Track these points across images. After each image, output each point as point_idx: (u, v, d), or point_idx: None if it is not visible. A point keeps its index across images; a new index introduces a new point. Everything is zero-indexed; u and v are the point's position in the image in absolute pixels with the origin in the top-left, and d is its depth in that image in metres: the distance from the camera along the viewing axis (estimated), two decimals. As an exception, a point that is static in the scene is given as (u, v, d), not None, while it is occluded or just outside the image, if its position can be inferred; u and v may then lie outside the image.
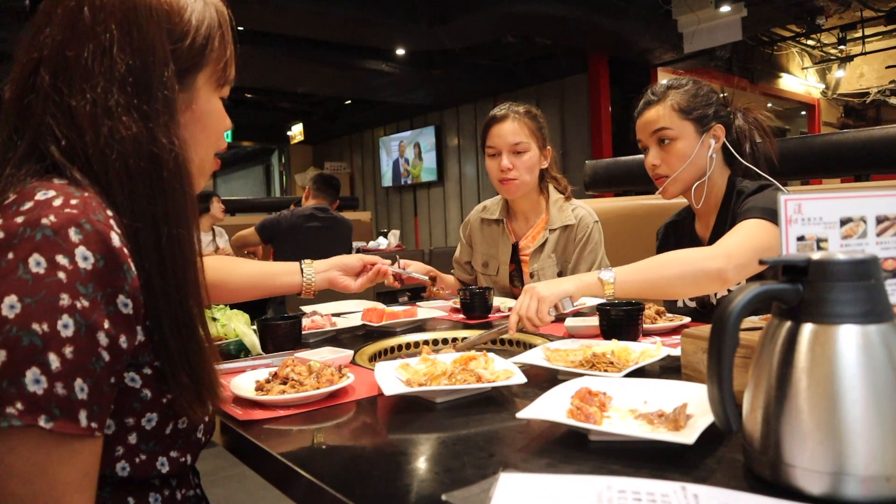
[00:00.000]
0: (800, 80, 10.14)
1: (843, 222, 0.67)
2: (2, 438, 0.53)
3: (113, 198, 0.64)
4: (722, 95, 1.59)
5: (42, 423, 0.53)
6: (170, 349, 0.66)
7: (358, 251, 4.78)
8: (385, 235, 6.08)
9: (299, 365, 0.98)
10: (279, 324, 1.29)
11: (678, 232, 1.69)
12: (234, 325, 1.38)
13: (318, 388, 0.92)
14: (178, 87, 0.71)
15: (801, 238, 0.67)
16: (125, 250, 0.60)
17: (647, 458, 0.65)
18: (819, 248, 0.67)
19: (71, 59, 0.65)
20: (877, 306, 0.55)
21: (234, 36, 0.80)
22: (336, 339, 1.45)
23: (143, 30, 0.67)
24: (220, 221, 5.08)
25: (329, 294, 1.91)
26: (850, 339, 0.54)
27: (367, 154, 11.52)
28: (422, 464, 0.70)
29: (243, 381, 0.97)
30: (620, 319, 1.24)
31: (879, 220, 0.67)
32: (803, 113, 11.20)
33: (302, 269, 1.38)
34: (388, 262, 1.46)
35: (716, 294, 1.54)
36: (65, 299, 0.55)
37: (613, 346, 1.08)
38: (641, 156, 1.62)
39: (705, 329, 0.94)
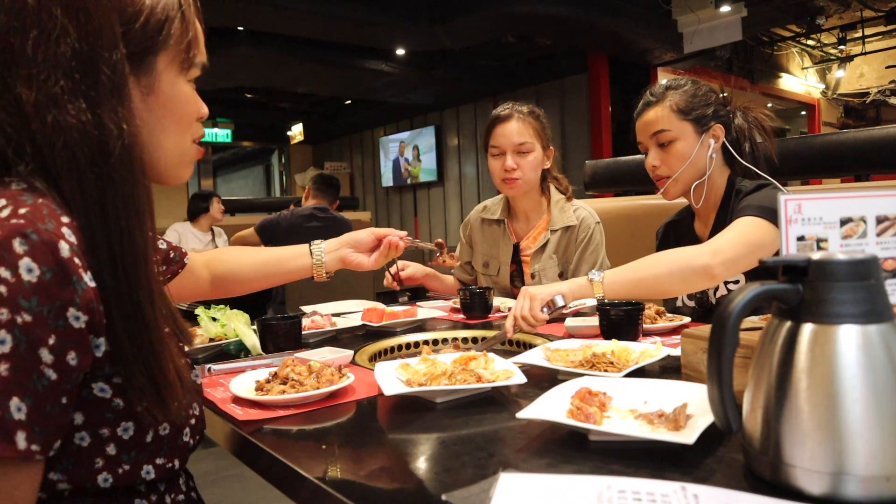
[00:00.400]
0: (800, 80, 10.14)
1: (843, 222, 0.67)
2: None
3: (65, 196, 0.61)
4: (722, 95, 1.59)
5: None
6: (123, 349, 0.63)
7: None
8: (385, 235, 6.06)
9: (299, 365, 0.98)
10: (279, 324, 1.29)
11: (678, 232, 1.69)
12: (234, 325, 1.38)
13: (318, 388, 0.92)
14: (129, 70, 0.68)
15: (801, 238, 0.67)
16: (76, 260, 0.57)
17: (647, 458, 0.65)
18: (819, 248, 0.67)
19: (16, 47, 0.62)
20: (877, 306, 0.55)
21: (199, 15, 0.77)
22: (336, 339, 1.45)
23: (90, 12, 0.64)
24: (219, 222, 5.09)
25: (329, 294, 1.90)
26: (850, 339, 0.54)
27: (367, 154, 11.52)
28: (422, 464, 0.70)
29: (243, 381, 0.97)
30: (620, 319, 1.24)
31: (879, 220, 0.67)
32: (803, 113, 11.20)
33: (311, 251, 1.30)
34: (403, 233, 1.36)
35: (715, 293, 1.55)
36: (3, 314, 0.52)
37: (613, 346, 1.08)
38: (641, 156, 1.62)
39: (705, 329, 0.94)
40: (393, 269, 1.77)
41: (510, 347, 1.39)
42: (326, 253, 1.30)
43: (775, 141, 1.56)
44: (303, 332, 1.39)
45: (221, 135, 10.94)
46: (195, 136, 0.81)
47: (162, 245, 1.11)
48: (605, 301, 1.31)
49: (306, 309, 1.83)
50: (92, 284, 0.59)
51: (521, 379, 0.90)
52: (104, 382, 0.63)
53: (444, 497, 0.58)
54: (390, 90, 8.59)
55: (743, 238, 1.29)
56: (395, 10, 5.97)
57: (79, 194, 0.62)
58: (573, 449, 0.69)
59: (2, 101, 0.62)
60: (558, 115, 8.03)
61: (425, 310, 1.72)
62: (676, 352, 1.04)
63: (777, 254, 0.65)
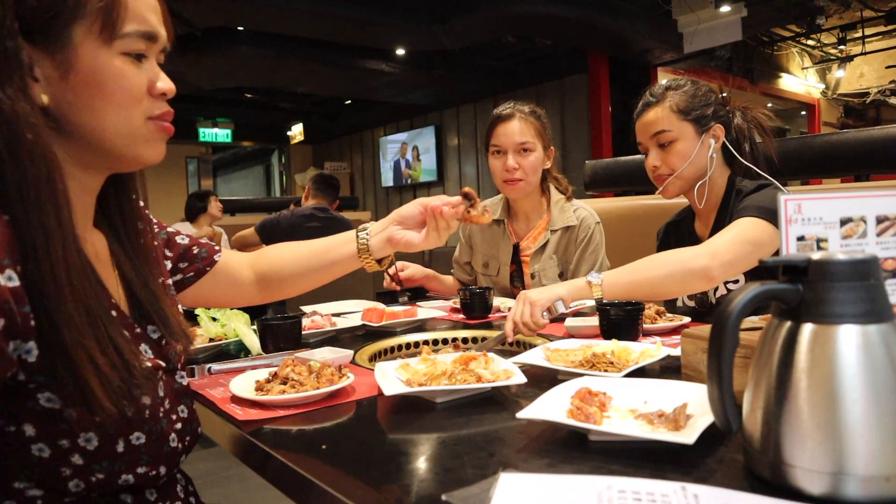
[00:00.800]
0: (800, 80, 10.14)
1: (843, 222, 0.67)
2: None
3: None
4: (722, 95, 1.59)
5: None
6: (43, 349, 0.59)
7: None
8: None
9: (299, 365, 0.98)
10: (279, 324, 1.29)
11: (678, 232, 1.69)
12: (234, 325, 1.39)
13: (318, 388, 0.92)
14: (37, 46, 0.62)
15: (801, 238, 0.67)
16: None
17: (647, 458, 0.65)
18: (819, 248, 0.67)
19: None
20: (877, 306, 0.55)
21: None
22: (336, 339, 1.45)
23: None
24: (219, 220, 5.08)
25: (331, 293, 1.89)
26: (850, 339, 0.54)
27: (367, 154, 11.52)
28: (422, 464, 0.70)
29: (243, 381, 0.97)
30: (620, 319, 1.24)
31: (879, 220, 0.67)
32: (803, 113, 11.20)
33: (357, 235, 1.14)
34: (455, 199, 1.13)
35: (715, 293, 1.55)
36: None
37: (613, 346, 1.08)
38: (641, 156, 1.62)
39: (705, 329, 0.94)
40: (392, 270, 1.77)
41: (510, 347, 1.39)
42: (373, 235, 1.12)
43: (774, 141, 1.57)
44: (303, 332, 1.38)
45: (221, 135, 10.94)
46: (150, 112, 0.73)
47: (183, 240, 1.06)
48: (606, 301, 1.31)
49: (306, 309, 1.83)
50: (9, 284, 0.55)
51: (521, 379, 0.90)
52: (51, 392, 0.60)
53: (444, 497, 0.58)
54: (390, 90, 8.59)
55: (741, 239, 1.29)
56: (395, 10, 5.97)
57: (1, 185, 0.59)
58: (573, 449, 0.69)
59: None
60: (558, 115, 8.03)
61: (425, 310, 1.72)
62: (676, 352, 1.04)
63: (777, 254, 0.65)
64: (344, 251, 1.13)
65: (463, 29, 6.21)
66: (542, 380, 0.98)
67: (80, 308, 0.62)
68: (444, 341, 1.43)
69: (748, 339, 0.70)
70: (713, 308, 1.55)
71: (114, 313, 0.72)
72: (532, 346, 1.23)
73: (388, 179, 10.76)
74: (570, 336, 1.35)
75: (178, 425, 0.74)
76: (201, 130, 10.69)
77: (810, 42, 9.30)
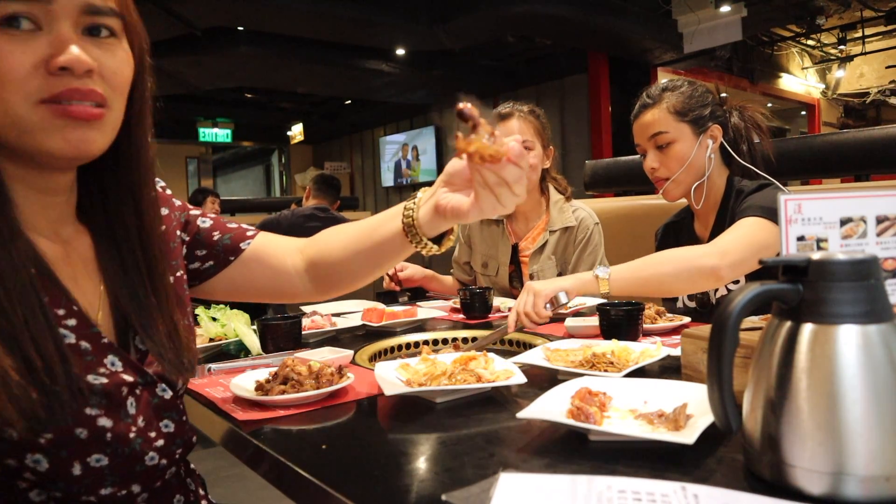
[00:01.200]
0: (800, 80, 10.14)
1: (843, 222, 0.67)
2: None
3: None
4: (721, 96, 1.59)
5: None
6: None
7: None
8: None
9: (299, 365, 0.98)
10: (279, 324, 1.29)
11: (677, 232, 1.69)
12: (234, 325, 1.39)
13: (318, 389, 0.92)
14: None
15: (801, 238, 0.67)
16: None
17: (647, 458, 0.65)
18: (819, 248, 0.67)
19: None
20: (877, 306, 0.55)
21: None
22: (336, 339, 1.45)
23: None
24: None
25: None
26: (850, 339, 0.54)
27: (367, 154, 11.52)
28: (422, 464, 0.69)
29: (243, 381, 0.97)
30: (620, 319, 1.24)
31: (879, 220, 0.67)
32: (803, 113, 11.20)
33: (404, 208, 0.87)
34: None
35: (715, 293, 1.55)
36: None
37: (613, 346, 1.08)
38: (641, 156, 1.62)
39: (705, 329, 0.94)
40: (391, 270, 1.77)
41: (510, 347, 1.39)
42: (421, 204, 0.84)
43: (771, 141, 1.57)
44: (303, 332, 1.39)
45: (221, 135, 10.95)
46: (41, 94, 0.61)
47: (204, 223, 0.94)
48: (606, 301, 1.31)
49: (306, 309, 1.83)
50: None
51: (521, 379, 0.90)
52: None
53: (444, 497, 0.58)
54: (390, 90, 8.59)
55: (749, 240, 1.29)
56: (395, 10, 5.97)
57: None
58: (573, 449, 0.69)
59: None
60: (558, 115, 8.02)
61: (425, 310, 1.72)
62: (676, 352, 1.04)
63: (778, 254, 0.65)
64: (388, 229, 0.88)
65: (463, 29, 6.21)
66: (542, 380, 0.98)
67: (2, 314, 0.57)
68: (444, 341, 1.43)
69: (748, 339, 0.70)
70: (714, 308, 1.55)
71: (72, 321, 0.66)
72: (532, 346, 1.23)
73: (388, 179, 10.76)
74: (570, 336, 1.35)
75: (160, 442, 0.69)
76: (201, 130, 10.69)
77: (810, 42, 9.30)
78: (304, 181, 11.00)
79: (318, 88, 8.86)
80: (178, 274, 0.85)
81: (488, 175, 0.73)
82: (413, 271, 1.99)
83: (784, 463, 0.56)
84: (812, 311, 0.56)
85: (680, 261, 1.31)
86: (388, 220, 0.89)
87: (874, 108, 10.76)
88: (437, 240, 0.87)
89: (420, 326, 1.55)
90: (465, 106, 0.70)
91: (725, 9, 5.94)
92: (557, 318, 1.45)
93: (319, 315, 1.58)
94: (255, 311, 1.49)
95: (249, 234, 0.96)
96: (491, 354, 1.01)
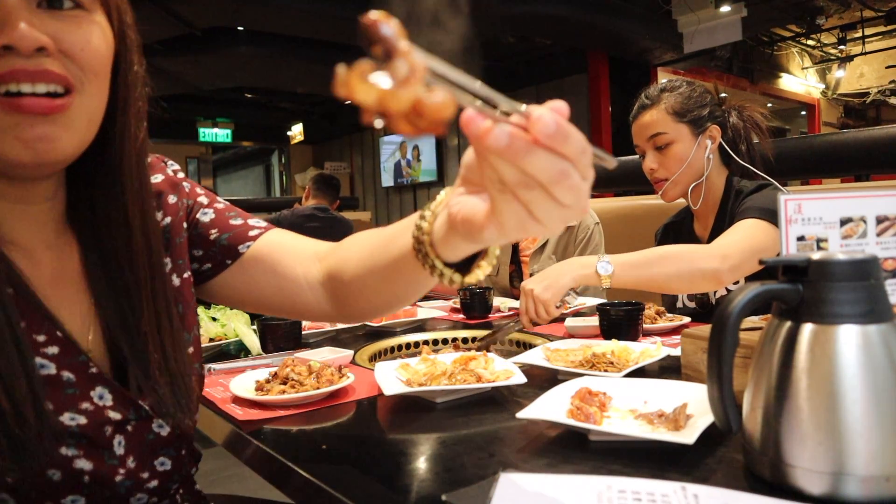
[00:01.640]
0: (800, 80, 10.14)
1: (843, 222, 0.67)
2: None
3: None
4: (720, 96, 1.59)
5: None
6: None
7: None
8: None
9: (299, 365, 0.98)
10: (279, 324, 1.29)
11: (677, 233, 1.69)
12: (234, 325, 1.39)
13: (318, 388, 0.92)
14: None
15: (801, 238, 0.67)
16: None
17: (647, 458, 0.65)
18: (819, 248, 0.67)
19: None
20: (877, 306, 0.55)
21: None
22: (336, 339, 1.45)
23: None
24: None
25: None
26: (850, 339, 0.54)
27: (367, 154, 11.52)
28: (422, 464, 0.69)
29: (243, 381, 0.97)
30: (620, 319, 1.24)
31: (879, 220, 0.67)
32: (803, 113, 11.20)
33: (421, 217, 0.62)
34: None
35: (715, 294, 1.55)
36: None
37: (613, 346, 1.08)
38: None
39: (705, 329, 0.94)
40: None
41: (510, 347, 1.39)
42: (437, 212, 0.59)
43: (770, 141, 1.57)
44: (303, 332, 1.38)
45: (221, 135, 10.94)
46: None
47: (205, 216, 0.80)
48: (606, 301, 1.31)
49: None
50: None
51: (521, 379, 0.90)
52: None
53: (444, 497, 0.58)
54: (390, 90, 8.58)
55: (749, 242, 1.30)
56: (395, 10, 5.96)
57: None
58: (573, 449, 0.69)
59: None
60: (558, 115, 8.01)
61: (425, 310, 1.72)
62: (676, 352, 1.04)
63: (778, 254, 0.65)
64: (401, 244, 0.64)
65: (463, 29, 6.20)
66: (542, 380, 0.98)
67: None
68: (444, 341, 1.43)
69: (748, 339, 0.70)
70: (714, 308, 1.55)
71: (54, 349, 0.58)
72: (532, 346, 1.23)
73: (388, 179, 10.76)
74: (570, 336, 1.35)
75: (153, 483, 0.62)
76: (201, 130, 10.69)
77: (810, 42, 9.30)
78: (304, 181, 11.00)
79: (318, 88, 8.86)
80: (186, 276, 0.75)
81: (503, 167, 0.44)
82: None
83: (784, 463, 0.56)
84: (812, 312, 0.56)
85: (682, 261, 1.31)
86: (402, 233, 0.65)
87: (874, 108, 10.76)
88: (464, 265, 0.60)
89: (420, 326, 1.55)
90: (372, 18, 0.39)
91: (725, 9, 5.94)
92: (558, 318, 1.45)
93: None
94: (255, 311, 1.48)
95: (253, 233, 0.80)
96: (491, 354, 1.01)
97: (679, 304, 1.62)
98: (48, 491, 0.56)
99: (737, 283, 1.48)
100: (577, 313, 1.54)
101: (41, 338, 0.58)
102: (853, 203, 0.67)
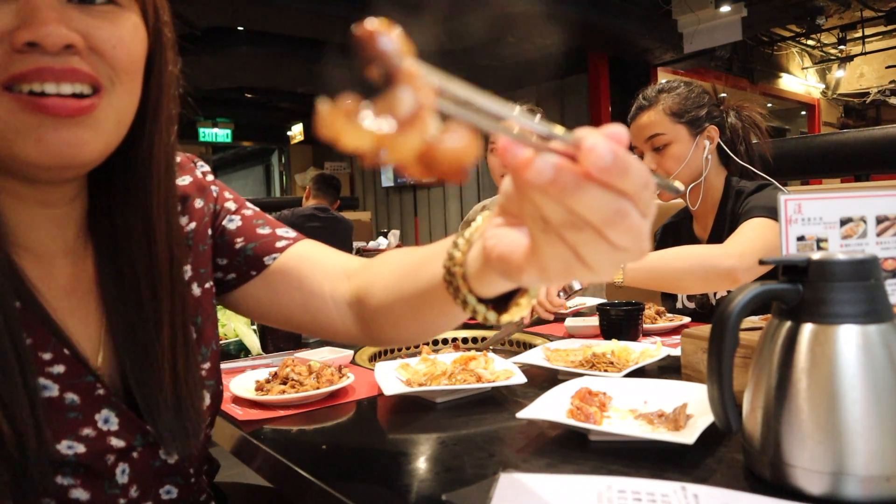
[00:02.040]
0: (800, 80, 10.14)
1: (843, 222, 0.67)
2: None
3: None
4: (719, 96, 1.59)
5: None
6: None
7: (358, 252, 4.77)
8: (385, 235, 6.08)
9: (299, 365, 0.98)
10: (279, 324, 1.29)
11: (676, 233, 1.69)
12: (234, 325, 1.39)
13: (318, 388, 0.92)
14: None
15: (801, 238, 0.67)
16: None
17: (647, 458, 0.65)
18: (819, 248, 0.67)
19: None
20: (877, 306, 0.55)
21: None
22: (336, 339, 1.45)
23: None
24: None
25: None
26: (850, 339, 0.54)
27: (367, 154, 11.51)
28: (422, 464, 0.69)
29: (243, 381, 0.97)
30: (620, 319, 1.24)
31: (879, 220, 0.67)
32: (803, 113, 11.20)
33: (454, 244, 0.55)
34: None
35: (715, 294, 1.54)
36: None
37: (613, 346, 1.08)
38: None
39: (705, 329, 0.94)
40: None
41: (510, 347, 1.39)
42: (473, 240, 0.52)
43: (769, 141, 1.56)
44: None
45: (221, 135, 10.95)
46: (1, 77, 0.48)
47: (231, 223, 0.76)
48: (606, 301, 1.31)
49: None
50: None
51: (521, 379, 0.90)
52: None
53: (444, 497, 0.58)
54: (390, 90, 8.58)
55: (762, 242, 1.29)
56: (396, 10, 5.97)
57: None
58: (573, 449, 0.69)
59: None
60: (558, 115, 8.02)
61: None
62: (676, 352, 1.04)
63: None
64: (431, 272, 0.57)
65: (463, 29, 6.21)
66: (542, 380, 0.98)
67: None
68: (444, 341, 1.43)
69: (748, 339, 0.70)
70: (713, 308, 1.55)
71: (59, 368, 0.55)
72: (532, 346, 1.23)
73: (388, 179, 10.76)
74: (570, 336, 1.35)
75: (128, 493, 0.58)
76: (201, 130, 10.69)
77: (810, 42, 9.30)
78: (304, 181, 10.99)
79: (318, 89, 8.87)
80: (207, 286, 0.71)
81: (547, 205, 0.37)
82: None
83: (784, 463, 0.56)
84: (812, 312, 0.56)
85: (696, 258, 1.30)
86: (435, 257, 0.58)
87: (874, 108, 10.76)
88: (501, 301, 0.52)
89: (420, 326, 1.55)
90: (368, 28, 0.32)
91: (725, 9, 5.94)
92: (557, 318, 1.45)
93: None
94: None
95: (280, 244, 0.75)
96: (491, 354, 1.01)
97: (679, 305, 1.62)
98: None
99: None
100: (577, 313, 1.54)
101: (47, 356, 0.55)
102: (853, 203, 0.67)
